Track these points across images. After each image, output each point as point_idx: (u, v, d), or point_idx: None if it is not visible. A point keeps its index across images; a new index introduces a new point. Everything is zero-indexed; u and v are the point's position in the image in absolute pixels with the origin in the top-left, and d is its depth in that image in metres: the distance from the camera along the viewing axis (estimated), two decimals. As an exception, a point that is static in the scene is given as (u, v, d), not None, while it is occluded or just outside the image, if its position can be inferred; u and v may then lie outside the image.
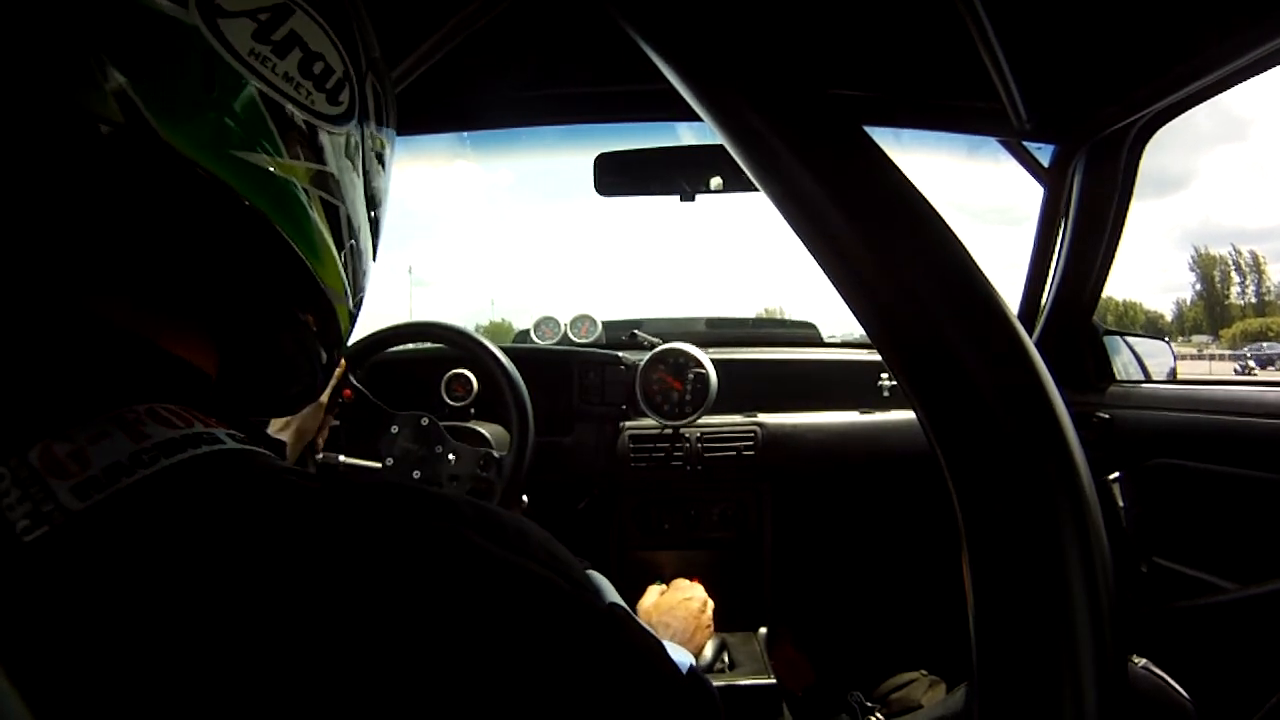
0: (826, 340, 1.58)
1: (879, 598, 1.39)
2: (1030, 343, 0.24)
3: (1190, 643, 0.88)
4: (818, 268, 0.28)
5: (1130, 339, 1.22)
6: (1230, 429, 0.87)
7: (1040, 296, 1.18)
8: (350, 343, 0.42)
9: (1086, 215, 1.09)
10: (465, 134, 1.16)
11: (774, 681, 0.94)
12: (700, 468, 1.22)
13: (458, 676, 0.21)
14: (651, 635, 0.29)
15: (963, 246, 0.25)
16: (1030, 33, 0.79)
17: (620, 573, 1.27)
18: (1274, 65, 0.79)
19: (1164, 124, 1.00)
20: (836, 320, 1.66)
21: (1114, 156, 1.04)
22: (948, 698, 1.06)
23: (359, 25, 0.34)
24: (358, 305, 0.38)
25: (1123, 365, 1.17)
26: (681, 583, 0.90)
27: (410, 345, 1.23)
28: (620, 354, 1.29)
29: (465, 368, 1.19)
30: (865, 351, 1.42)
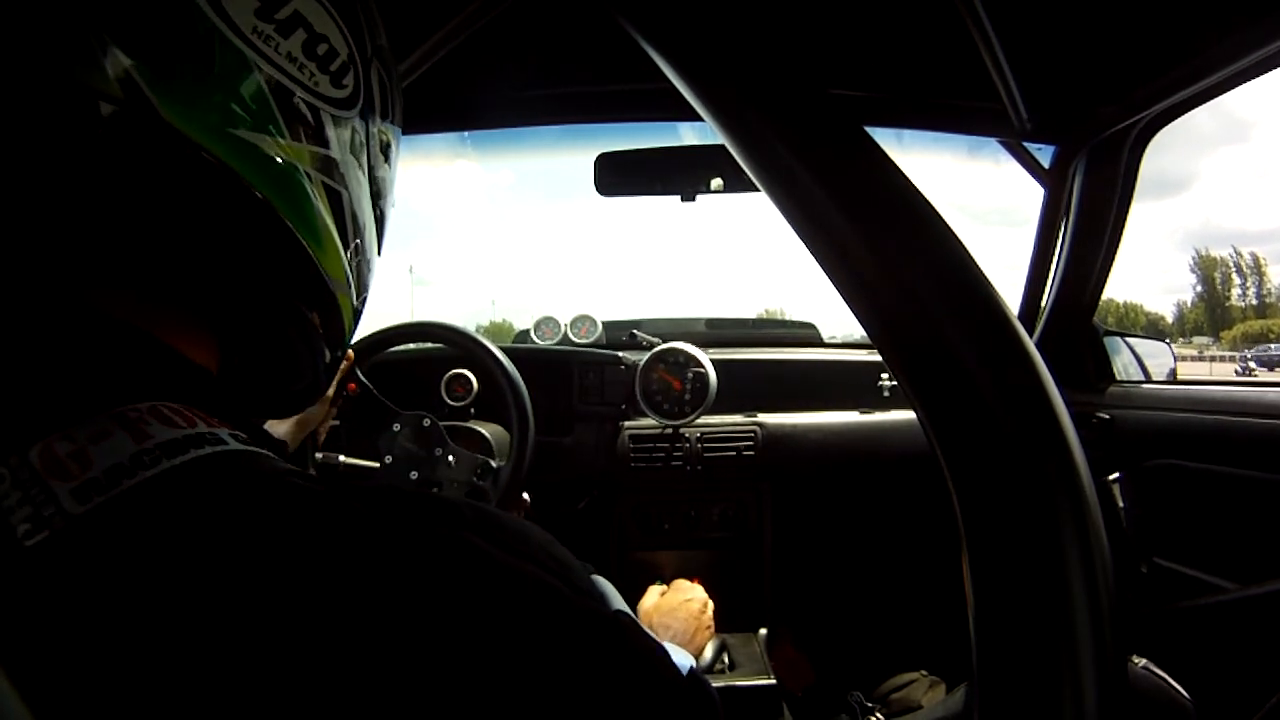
0: (826, 340, 1.58)
1: (879, 598, 1.39)
2: (1030, 343, 0.24)
3: (1190, 643, 0.88)
4: (818, 268, 0.28)
5: (1130, 339, 1.22)
6: (1230, 429, 0.87)
7: (1041, 297, 1.18)
8: (351, 341, 0.42)
9: (1087, 216, 1.09)
10: (465, 134, 1.16)
11: (774, 682, 0.94)
12: (700, 468, 1.22)
13: (459, 682, 0.21)
14: (655, 641, 0.28)
15: (963, 247, 0.25)
16: (1030, 33, 0.79)
17: (620, 573, 1.27)
18: (1275, 67, 0.79)
19: (1165, 125, 1.00)
20: (836, 320, 1.66)
21: (1114, 158, 1.04)
22: (948, 698, 1.06)
23: (365, 11, 0.34)
24: (362, 301, 0.37)
25: (1123, 366, 1.17)
26: (682, 583, 0.90)
27: (410, 345, 1.23)
28: (620, 354, 1.29)
29: (465, 368, 1.19)
30: (865, 351, 1.42)
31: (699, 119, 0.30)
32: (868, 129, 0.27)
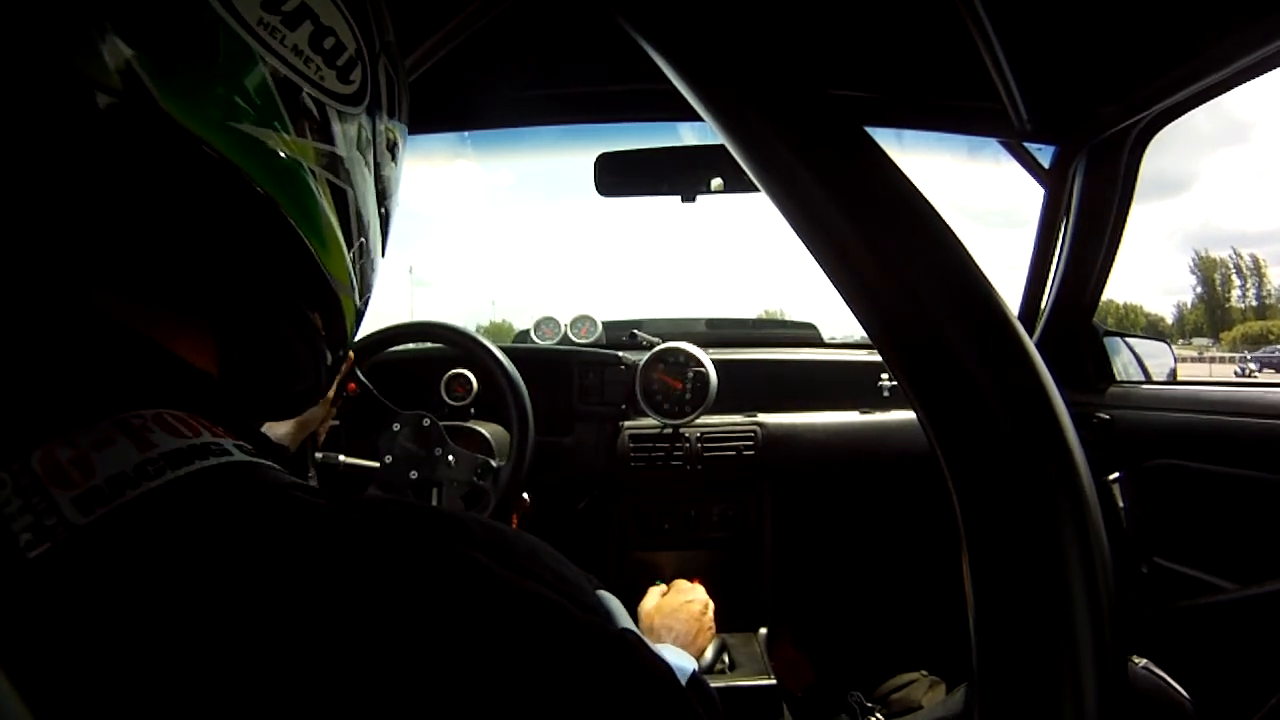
0: (827, 341, 1.58)
1: (879, 598, 1.39)
2: (1030, 343, 0.24)
3: (1190, 643, 0.88)
4: (818, 268, 0.28)
5: (1130, 340, 1.22)
6: (1230, 429, 0.87)
7: (1041, 297, 1.18)
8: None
9: (1087, 216, 1.09)
10: (466, 134, 1.17)
11: (774, 682, 0.94)
12: (700, 467, 1.22)
13: (460, 701, 0.21)
14: (661, 660, 0.28)
15: (963, 247, 0.25)
16: (1030, 33, 0.79)
17: (620, 573, 1.27)
18: (1275, 66, 0.79)
19: (1165, 125, 1.00)
20: (836, 320, 1.66)
21: (1114, 158, 1.04)
22: (948, 698, 1.06)
23: (373, 5, 0.33)
24: (365, 301, 0.37)
25: (1123, 366, 1.17)
26: (682, 584, 0.90)
27: (410, 345, 1.23)
28: (620, 354, 1.29)
29: (465, 368, 1.19)
30: (865, 352, 1.42)
31: (699, 119, 0.30)
32: (868, 129, 0.27)
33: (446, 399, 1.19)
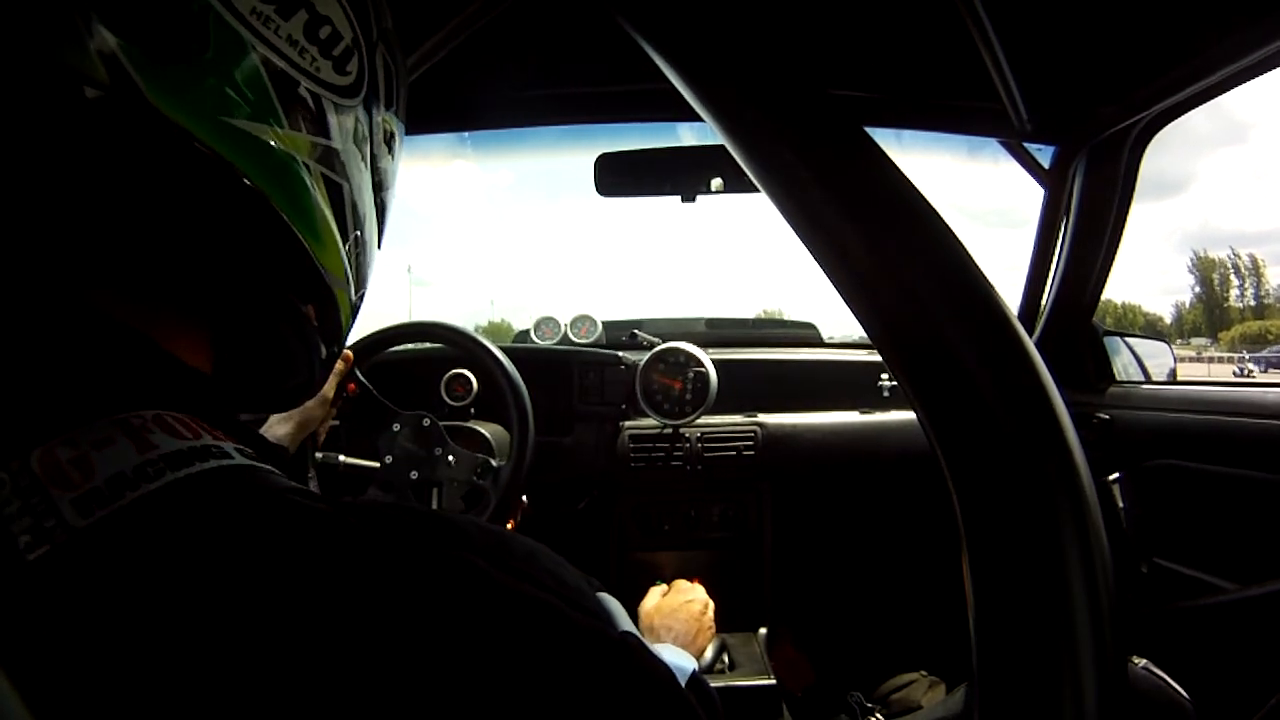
0: (826, 340, 1.58)
1: (879, 598, 1.39)
2: (1030, 343, 0.24)
3: (1190, 643, 0.88)
4: (818, 268, 0.28)
5: (1130, 340, 1.22)
6: (1230, 429, 0.88)
7: (1040, 297, 1.18)
8: (351, 341, 0.41)
9: (1087, 216, 1.09)
10: (465, 134, 1.17)
11: (774, 682, 0.94)
12: (700, 468, 1.22)
13: (458, 706, 0.21)
14: (662, 663, 0.27)
15: (963, 247, 0.25)
16: (1030, 33, 0.79)
17: (620, 573, 1.27)
18: (1275, 67, 0.79)
19: (1164, 125, 1.01)
20: (836, 320, 1.67)
21: (1114, 158, 1.04)
22: (948, 698, 1.06)
23: None
24: (360, 296, 0.36)
25: (1122, 366, 1.17)
26: (682, 584, 0.90)
27: (410, 345, 1.23)
28: (620, 354, 1.29)
29: (465, 368, 1.19)
30: (865, 351, 1.42)
31: (699, 119, 0.30)
32: (868, 129, 0.27)
33: (446, 399, 1.19)
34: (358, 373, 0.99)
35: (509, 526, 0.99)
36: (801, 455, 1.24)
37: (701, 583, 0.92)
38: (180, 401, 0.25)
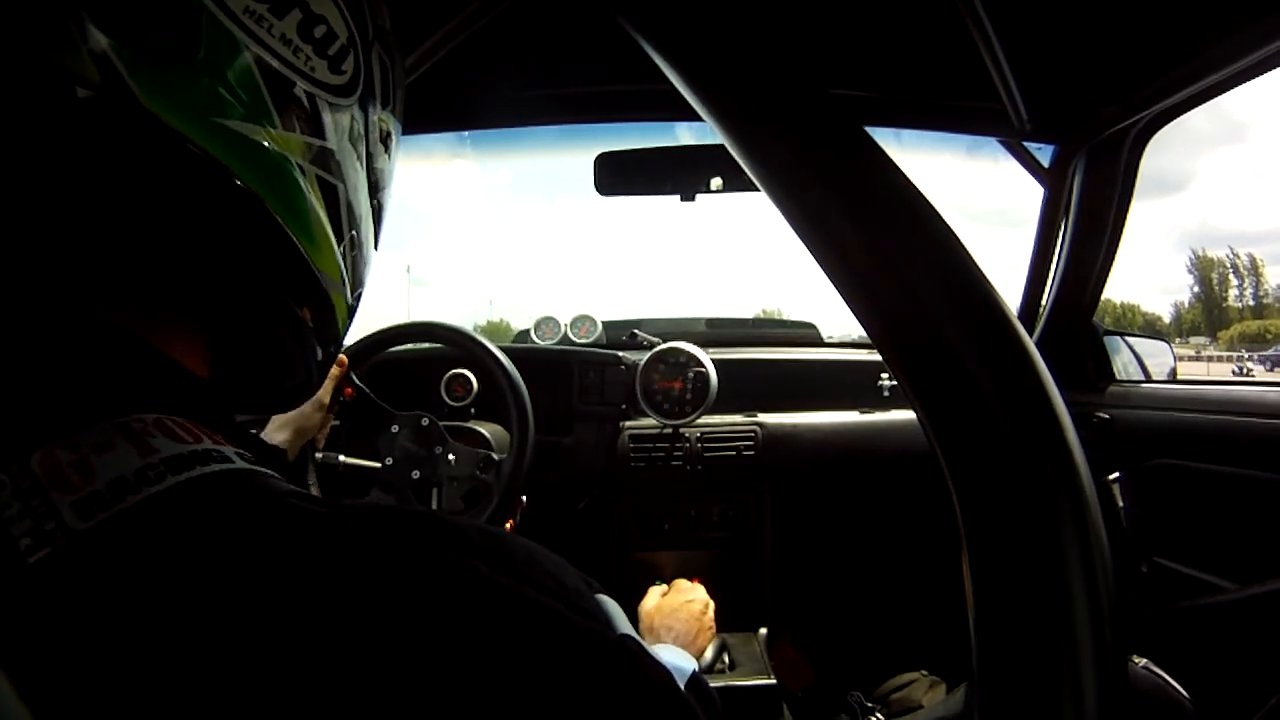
0: (826, 340, 1.58)
1: (879, 598, 1.39)
2: (1030, 343, 0.24)
3: (1190, 643, 0.88)
4: (818, 268, 0.28)
5: (1130, 339, 1.22)
6: (1230, 429, 0.88)
7: (1040, 297, 1.18)
8: (349, 342, 0.40)
9: (1087, 216, 1.09)
10: (465, 133, 1.16)
11: (774, 682, 0.94)
12: (700, 468, 1.22)
13: (463, 711, 0.21)
14: (662, 666, 0.27)
15: (963, 247, 0.25)
16: (1030, 33, 0.79)
17: (620, 573, 1.27)
18: (1275, 67, 0.79)
19: (1164, 125, 1.01)
20: (836, 320, 1.67)
21: (1114, 157, 1.04)
22: (948, 698, 1.06)
23: None
24: (356, 298, 0.36)
25: (1123, 365, 1.17)
26: (683, 584, 0.90)
27: (410, 345, 1.23)
28: (620, 354, 1.29)
29: (465, 368, 1.19)
30: (865, 351, 1.42)
31: (698, 119, 0.30)
32: (868, 129, 0.27)
33: (446, 399, 1.18)
34: (353, 376, 0.99)
35: (508, 526, 0.99)
36: (801, 455, 1.24)
37: (701, 582, 0.92)
38: (180, 405, 0.25)
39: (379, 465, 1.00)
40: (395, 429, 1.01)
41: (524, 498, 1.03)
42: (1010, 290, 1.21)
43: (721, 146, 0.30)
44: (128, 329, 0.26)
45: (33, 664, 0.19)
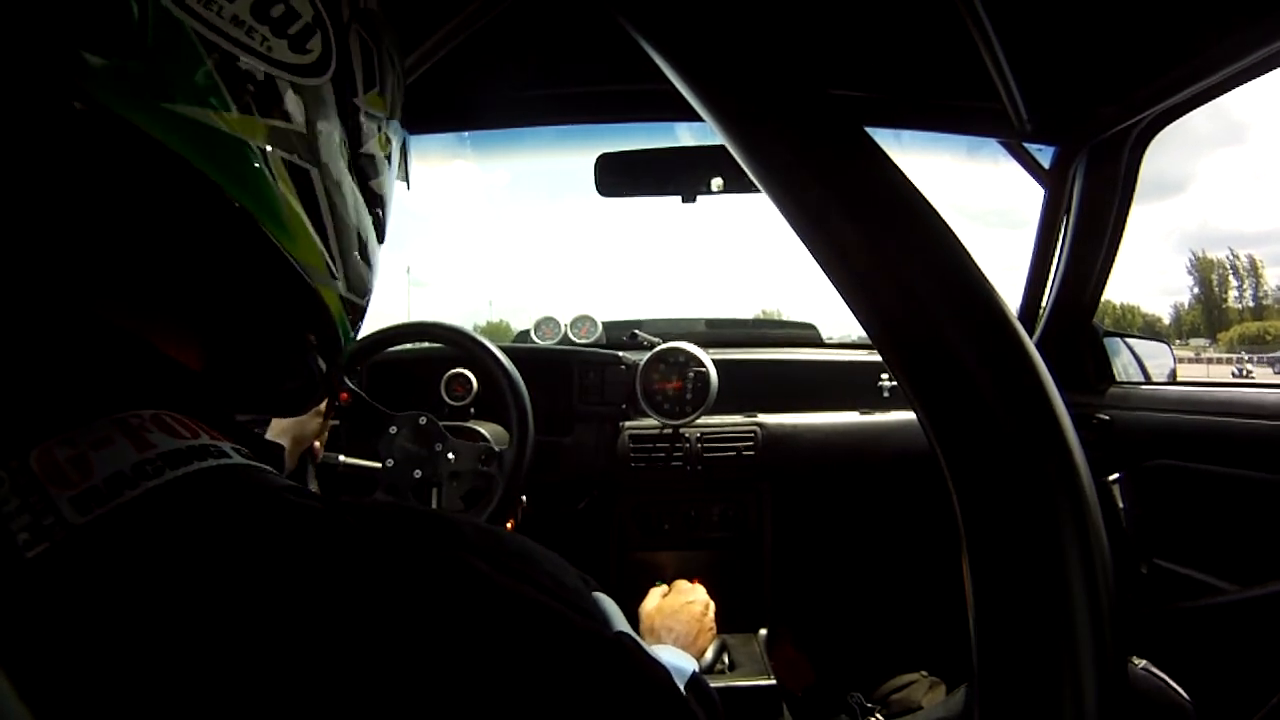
0: (826, 341, 1.58)
1: (879, 598, 1.39)
2: (1030, 344, 0.24)
3: (1190, 643, 0.88)
4: (818, 268, 0.28)
5: (1130, 340, 1.22)
6: (1230, 430, 0.87)
7: (1041, 298, 1.18)
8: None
9: (1087, 217, 1.09)
10: (464, 134, 1.16)
11: (774, 682, 0.94)
12: (700, 468, 1.22)
13: (460, 708, 0.21)
14: (658, 663, 0.27)
15: (963, 247, 0.25)
16: (1031, 33, 0.79)
17: (620, 573, 1.27)
18: (1275, 66, 0.79)
19: (1165, 126, 1.00)
20: (836, 320, 1.67)
21: (1115, 158, 1.04)
22: (948, 699, 1.06)
23: None
24: (357, 289, 0.34)
25: (1123, 366, 1.17)
26: (683, 585, 0.90)
27: (409, 345, 1.23)
28: (620, 354, 1.29)
29: (465, 367, 1.19)
30: (865, 352, 1.42)
31: (698, 119, 0.30)
32: (868, 129, 0.27)
33: (446, 399, 1.18)
34: (347, 380, 0.99)
35: (509, 526, 0.99)
36: (801, 455, 1.24)
37: (701, 583, 0.92)
38: (178, 401, 0.25)
39: (379, 466, 1.00)
40: (394, 430, 1.01)
41: (524, 498, 1.03)
42: (1010, 291, 1.21)
43: (722, 147, 0.30)
44: (125, 326, 0.26)
45: (31, 658, 0.19)
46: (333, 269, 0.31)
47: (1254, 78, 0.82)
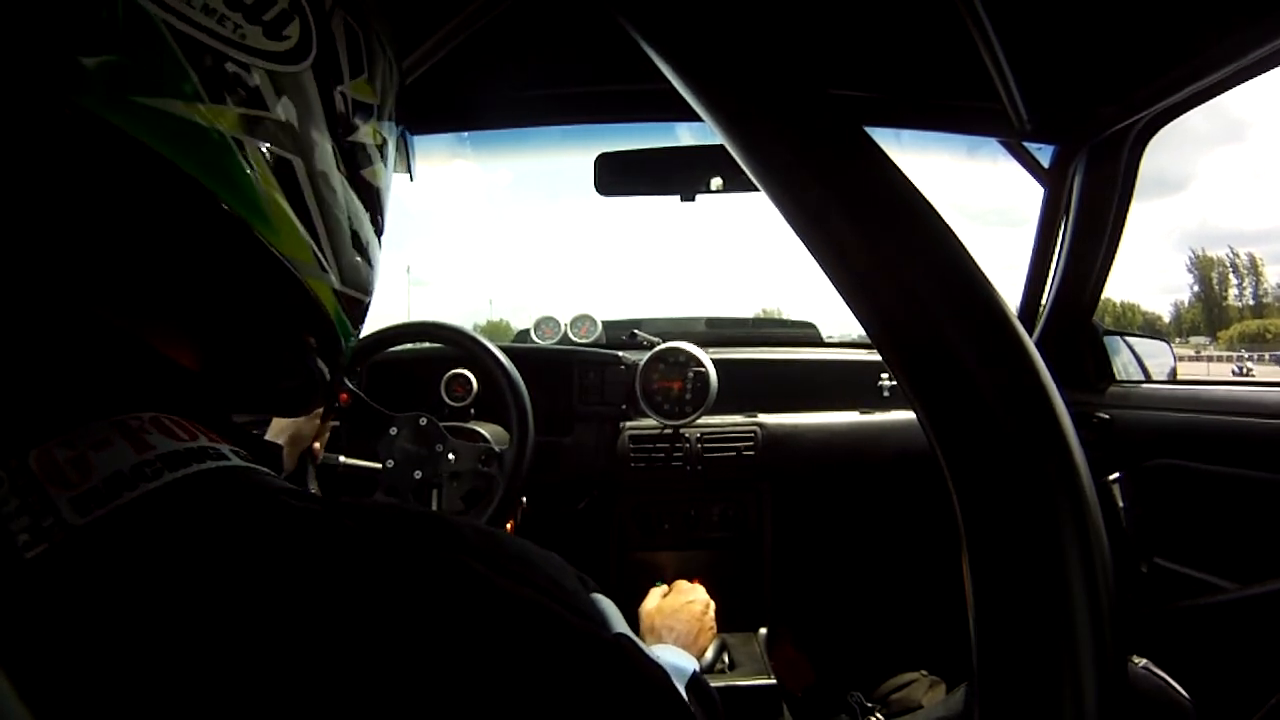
0: (826, 340, 1.58)
1: (879, 598, 1.39)
2: (1030, 343, 0.24)
3: (1190, 643, 0.88)
4: (817, 268, 0.28)
5: (1130, 339, 1.22)
6: (1230, 429, 0.88)
7: (1040, 297, 1.18)
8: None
9: (1087, 216, 1.09)
10: (465, 134, 1.16)
11: (774, 682, 0.94)
12: (700, 468, 1.22)
13: (459, 709, 0.21)
14: (657, 664, 0.27)
15: (963, 247, 0.25)
16: (1030, 33, 0.79)
17: (620, 573, 1.27)
18: (1275, 66, 0.79)
19: (1164, 125, 1.00)
20: (836, 320, 1.67)
21: (1114, 157, 1.04)
22: (948, 698, 1.06)
23: None
24: (354, 283, 0.33)
25: (1123, 365, 1.17)
26: (683, 585, 0.90)
27: (409, 345, 1.23)
28: (620, 354, 1.29)
29: (465, 368, 1.19)
30: (865, 351, 1.42)
31: (698, 119, 0.30)
32: (868, 129, 0.27)
33: (446, 399, 1.18)
34: (347, 381, 0.99)
35: (509, 527, 0.99)
36: (801, 455, 1.24)
37: (701, 583, 0.92)
38: (177, 403, 0.25)
39: (379, 467, 1.00)
40: (394, 430, 1.01)
41: (524, 498, 1.03)
42: (1010, 290, 1.21)
43: (721, 146, 0.30)
44: (124, 328, 0.26)
45: (30, 659, 0.19)
46: (323, 262, 0.30)
47: (1253, 77, 0.82)
